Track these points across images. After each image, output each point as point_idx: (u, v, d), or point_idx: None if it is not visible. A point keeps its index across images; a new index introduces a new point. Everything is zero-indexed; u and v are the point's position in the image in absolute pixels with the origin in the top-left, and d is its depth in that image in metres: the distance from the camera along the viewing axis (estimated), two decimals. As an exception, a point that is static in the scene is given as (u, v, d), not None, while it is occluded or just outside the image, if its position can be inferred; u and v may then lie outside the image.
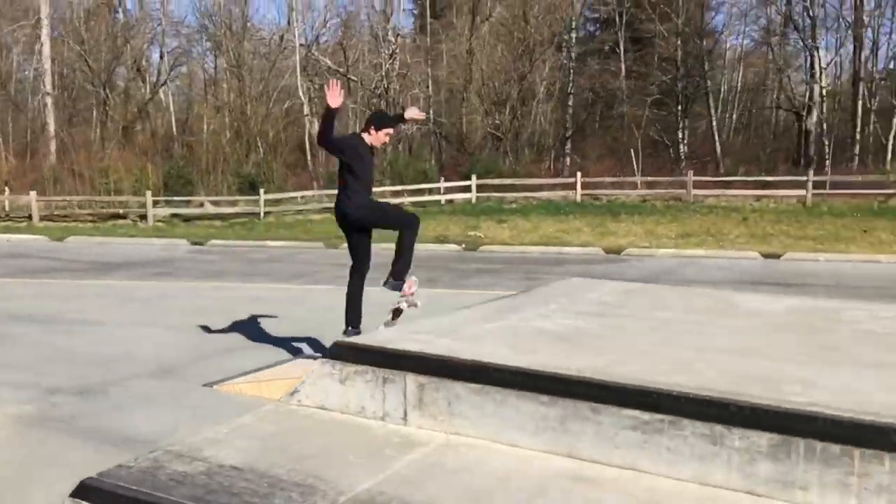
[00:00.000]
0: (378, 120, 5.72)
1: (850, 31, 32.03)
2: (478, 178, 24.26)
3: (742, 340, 3.94)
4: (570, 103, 35.02)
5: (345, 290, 5.66)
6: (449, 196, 22.18)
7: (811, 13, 31.19)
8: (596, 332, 4.17)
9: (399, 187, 23.40)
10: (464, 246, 16.06)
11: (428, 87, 36.32)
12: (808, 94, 32.18)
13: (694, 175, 21.57)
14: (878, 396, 2.95)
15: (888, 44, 33.12)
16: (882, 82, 31.68)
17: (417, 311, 5.49)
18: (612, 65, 36.26)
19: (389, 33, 34.12)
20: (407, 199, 21.65)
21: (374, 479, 2.89)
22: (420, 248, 16.20)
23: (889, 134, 29.21)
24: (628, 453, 2.99)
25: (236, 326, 7.10)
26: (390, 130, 5.65)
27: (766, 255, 14.02)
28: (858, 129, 29.79)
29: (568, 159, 34.24)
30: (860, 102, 29.84)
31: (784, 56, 35.57)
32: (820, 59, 30.89)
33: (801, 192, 19.54)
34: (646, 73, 35.50)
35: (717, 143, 34.04)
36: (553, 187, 22.89)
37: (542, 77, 35.69)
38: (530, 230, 18.03)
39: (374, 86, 32.96)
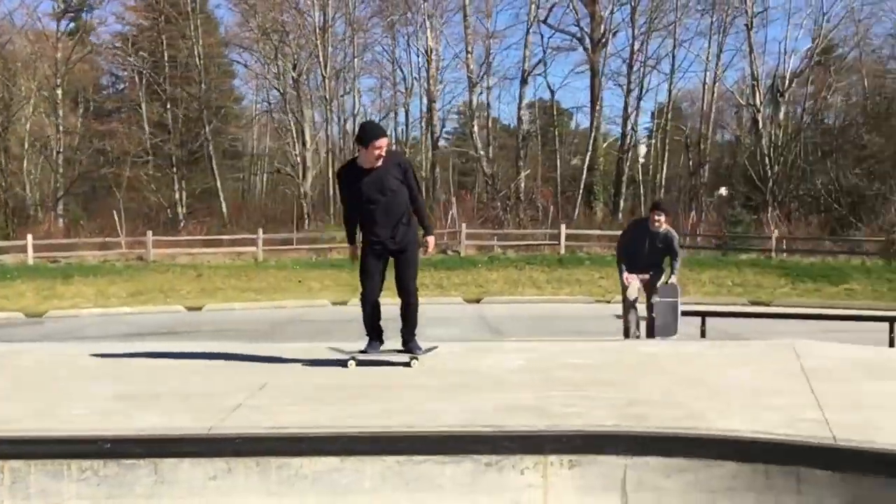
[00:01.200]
0: (361, 134, 4.80)
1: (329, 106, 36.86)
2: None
3: None
4: (60, 161, 33.18)
5: None
6: None
7: (297, 91, 35.12)
8: None
9: None
10: None
11: None
12: (302, 160, 35.89)
13: (192, 235, 22.19)
14: None
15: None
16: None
17: None
18: (132, 124, 35.86)
19: None
20: None
21: None
22: None
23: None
24: None
25: None
26: (381, 143, 4.61)
27: (190, 308, 15.22)
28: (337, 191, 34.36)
29: (61, 221, 32.25)
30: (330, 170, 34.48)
31: (283, 126, 39.15)
32: (304, 130, 34.88)
33: (252, 249, 21.72)
34: (162, 134, 35.85)
35: (223, 204, 35.70)
36: (9, 249, 21.26)
37: (30, 134, 33.31)
38: (-41, 297, 16.46)
39: None
